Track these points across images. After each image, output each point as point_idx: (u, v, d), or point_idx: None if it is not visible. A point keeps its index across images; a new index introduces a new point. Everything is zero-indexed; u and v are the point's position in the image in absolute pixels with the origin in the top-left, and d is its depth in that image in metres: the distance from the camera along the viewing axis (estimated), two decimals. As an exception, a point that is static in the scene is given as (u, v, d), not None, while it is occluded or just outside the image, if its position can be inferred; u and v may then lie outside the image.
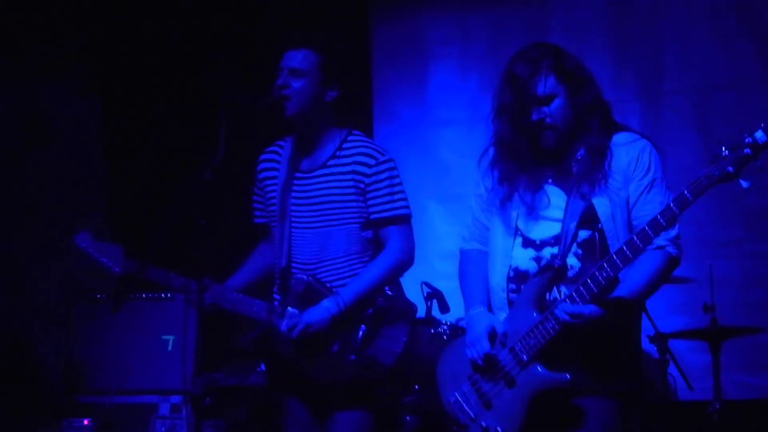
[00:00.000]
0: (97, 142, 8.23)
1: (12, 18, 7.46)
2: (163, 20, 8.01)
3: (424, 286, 6.48)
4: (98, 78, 8.11)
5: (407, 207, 4.47)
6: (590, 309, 3.66)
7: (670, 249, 3.77)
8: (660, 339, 6.47)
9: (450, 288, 5.79)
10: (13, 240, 7.03)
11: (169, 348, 6.58)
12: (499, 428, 3.83)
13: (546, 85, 3.79)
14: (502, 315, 3.92)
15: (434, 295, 6.48)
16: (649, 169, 3.81)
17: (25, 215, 7.30)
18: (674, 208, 3.54)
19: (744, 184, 3.48)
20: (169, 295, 6.60)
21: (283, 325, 4.34)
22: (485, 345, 3.86)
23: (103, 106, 8.24)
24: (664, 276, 3.79)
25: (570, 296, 3.72)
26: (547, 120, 3.82)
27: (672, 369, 6.58)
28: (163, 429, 6.41)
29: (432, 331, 6.27)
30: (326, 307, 4.29)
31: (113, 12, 7.97)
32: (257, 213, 4.67)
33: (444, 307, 6.45)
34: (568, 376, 3.72)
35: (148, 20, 8.00)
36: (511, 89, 3.84)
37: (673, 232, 3.75)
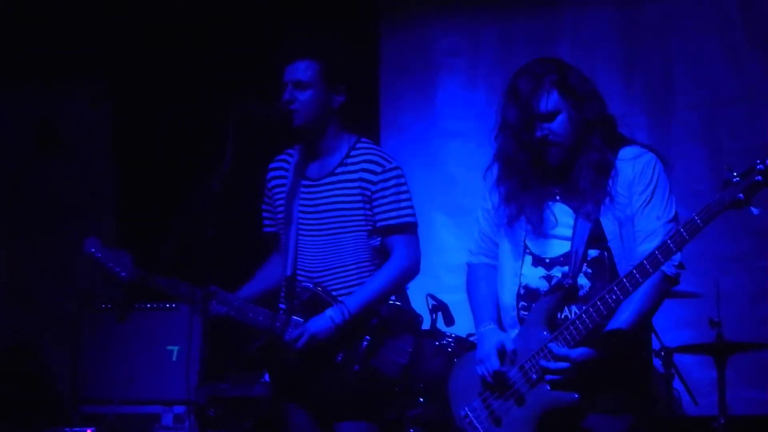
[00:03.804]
0: (107, 151, 8.28)
1: (24, 27, 7.52)
2: (174, 29, 8.06)
3: (429, 299, 6.45)
4: (109, 87, 8.16)
5: (413, 215, 4.46)
6: (579, 352, 3.69)
7: (665, 268, 3.71)
8: (665, 353, 6.47)
9: (456, 301, 5.79)
10: (23, 249, 7.05)
11: (174, 358, 6.59)
12: None
13: (549, 101, 3.77)
14: (513, 332, 3.90)
15: (439, 307, 6.45)
16: (650, 183, 3.78)
17: (35, 224, 7.34)
18: (684, 233, 3.52)
19: (755, 211, 3.45)
20: (174, 305, 6.60)
21: (288, 335, 4.33)
22: (495, 362, 3.83)
23: (113, 114, 8.28)
24: (660, 296, 3.76)
25: (555, 338, 3.73)
26: (551, 137, 3.79)
27: (677, 384, 6.58)
28: None
29: (437, 343, 6.25)
30: (330, 316, 4.28)
31: (124, 21, 8.00)
32: (267, 222, 4.66)
33: (449, 320, 6.42)
34: (576, 396, 3.70)
35: (160, 29, 8.05)
36: (514, 105, 3.81)
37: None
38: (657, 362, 6.45)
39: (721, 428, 6.24)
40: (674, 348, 6.52)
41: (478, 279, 4.11)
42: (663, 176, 3.80)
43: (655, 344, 6.34)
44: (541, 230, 3.87)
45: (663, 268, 3.69)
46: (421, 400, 6.14)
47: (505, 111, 3.85)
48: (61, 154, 7.70)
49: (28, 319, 7.24)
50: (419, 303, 5.87)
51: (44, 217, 7.46)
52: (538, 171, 3.86)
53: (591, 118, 3.81)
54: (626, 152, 3.84)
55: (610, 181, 3.80)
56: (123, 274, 4.52)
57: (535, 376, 3.77)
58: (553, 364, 3.72)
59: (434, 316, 6.47)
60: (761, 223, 7.02)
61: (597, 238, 3.80)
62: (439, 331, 6.41)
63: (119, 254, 4.56)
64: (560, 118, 3.79)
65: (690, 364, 6.92)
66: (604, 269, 3.79)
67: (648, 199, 3.77)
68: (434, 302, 6.46)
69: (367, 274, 4.42)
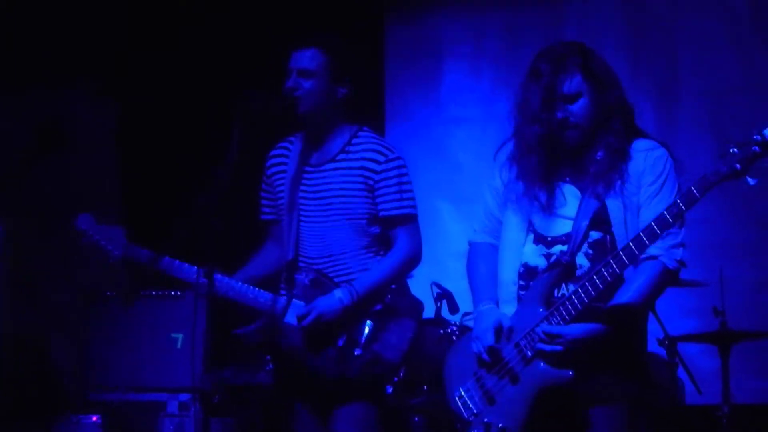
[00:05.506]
0: (113, 145, 8.29)
1: (29, 23, 7.51)
2: (178, 23, 8.08)
3: (434, 287, 6.51)
4: (115, 81, 8.16)
5: (415, 206, 4.50)
6: (571, 329, 3.73)
7: (666, 260, 3.77)
8: (669, 342, 6.47)
9: (461, 288, 5.76)
10: (28, 242, 7.06)
11: (179, 346, 6.60)
12: (500, 424, 3.83)
13: (572, 83, 3.80)
14: (510, 309, 3.93)
15: (444, 295, 6.51)
16: (659, 176, 3.81)
17: (40, 216, 7.34)
18: (681, 204, 3.56)
19: (751, 181, 3.49)
20: (178, 293, 6.59)
21: (293, 315, 4.36)
22: (490, 338, 3.86)
23: (119, 109, 8.28)
24: (658, 287, 3.80)
25: (551, 314, 3.76)
26: (571, 119, 3.82)
27: (681, 372, 6.58)
28: (171, 427, 6.44)
29: (441, 331, 6.30)
30: (339, 297, 4.32)
31: (129, 16, 8.03)
32: (265, 210, 4.69)
33: (453, 308, 6.49)
34: (570, 373, 3.72)
35: (164, 23, 8.08)
36: (536, 86, 3.84)
37: (673, 241, 3.76)
38: (661, 351, 6.49)
39: (724, 417, 6.27)
40: (678, 337, 6.52)
41: (479, 258, 4.14)
42: (673, 172, 3.83)
43: (660, 333, 6.40)
44: (548, 209, 3.90)
45: (664, 260, 3.74)
46: (425, 387, 6.22)
47: (526, 91, 3.88)
48: (66, 151, 7.70)
49: (34, 310, 7.24)
50: (424, 291, 5.89)
51: (49, 213, 7.46)
52: (553, 151, 3.88)
53: (611, 102, 3.84)
54: (640, 144, 3.87)
55: (623, 167, 3.82)
56: (116, 252, 4.51)
57: (530, 353, 3.80)
58: (547, 344, 3.75)
59: (439, 304, 6.54)
60: (766, 211, 7.21)
61: (601, 220, 3.83)
62: (444, 319, 6.48)
63: (112, 230, 4.55)
64: (582, 100, 3.82)
65: (694, 353, 6.93)
66: (605, 253, 3.80)
67: (657, 191, 3.80)
68: (439, 290, 6.53)
69: (366, 260, 4.46)
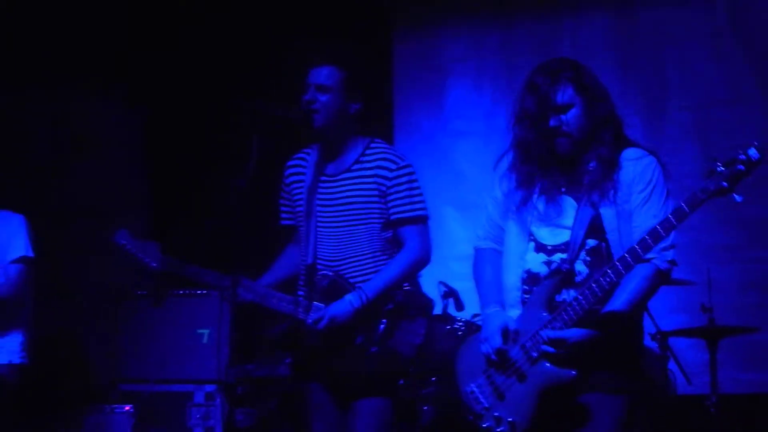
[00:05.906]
0: (140, 149, 8.42)
1: (58, 30, 7.64)
2: (202, 34, 8.24)
3: (441, 286, 6.64)
4: (142, 88, 8.28)
5: (425, 209, 4.62)
6: (572, 333, 3.86)
7: (658, 262, 3.87)
8: (661, 336, 6.65)
9: (465, 288, 5.98)
10: (61, 242, 7.12)
11: (205, 341, 6.77)
12: (510, 419, 3.95)
13: (564, 94, 3.90)
14: (515, 313, 4.03)
15: (450, 293, 6.65)
16: (649, 183, 3.91)
17: (72, 220, 7.49)
18: (673, 219, 3.67)
19: (737, 198, 3.59)
20: (204, 291, 6.74)
21: (310, 318, 4.50)
22: (498, 341, 3.97)
23: (147, 114, 8.40)
24: (651, 288, 3.90)
25: (554, 319, 3.88)
26: (564, 127, 3.92)
27: (672, 365, 6.76)
28: (198, 416, 6.65)
29: (448, 327, 6.49)
30: (350, 300, 4.45)
31: (156, 25, 8.17)
32: (284, 216, 4.81)
33: (459, 305, 6.62)
34: (574, 372, 3.84)
35: (189, 33, 8.24)
36: (532, 97, 3.95)
37: (664, 244, 3.85)
38: (653, 345, 6.61)
39: (712, 406, 6.46)
40: (669, 332, 6.67)
41: (485, 263, 4.24)
42: (661, 178, 3.93)
43: (652, 328, 6.56)
44: (546, 219, 4.01)
45: (656, 262, 3.87)
46: (434, 379, 6.40)
47: (524, 102, 3.99)
48: (92, 154, 7.85)
49: (69, 308, 7.34)
50: (431, 290, 5.89)
51: (80, 214, 7.52)
52: (549, 161, 4.00)
53: (602, 114, 3.94)
54: (629, 153, 3.97)
55: (615, 176, 3.92)
56: (153, 264, 4.67)
57: (535, 354, 3.92)
58: (550, 347, 3.88)
59: (445, 302, 6.67)
60: (750, 216, 7.33)
61: (596, 229, 3.93)
62: (450, 315, 6.63)
63: (148, 245, 4.71)
64: (573, 111, 3.93)
65: (684, 347, 7.11)
66: (601, 259, 3.92)
67: (647, 198, 3.90)
68: (446, 289, 6.67)
69: (381, 263, 4.58)
